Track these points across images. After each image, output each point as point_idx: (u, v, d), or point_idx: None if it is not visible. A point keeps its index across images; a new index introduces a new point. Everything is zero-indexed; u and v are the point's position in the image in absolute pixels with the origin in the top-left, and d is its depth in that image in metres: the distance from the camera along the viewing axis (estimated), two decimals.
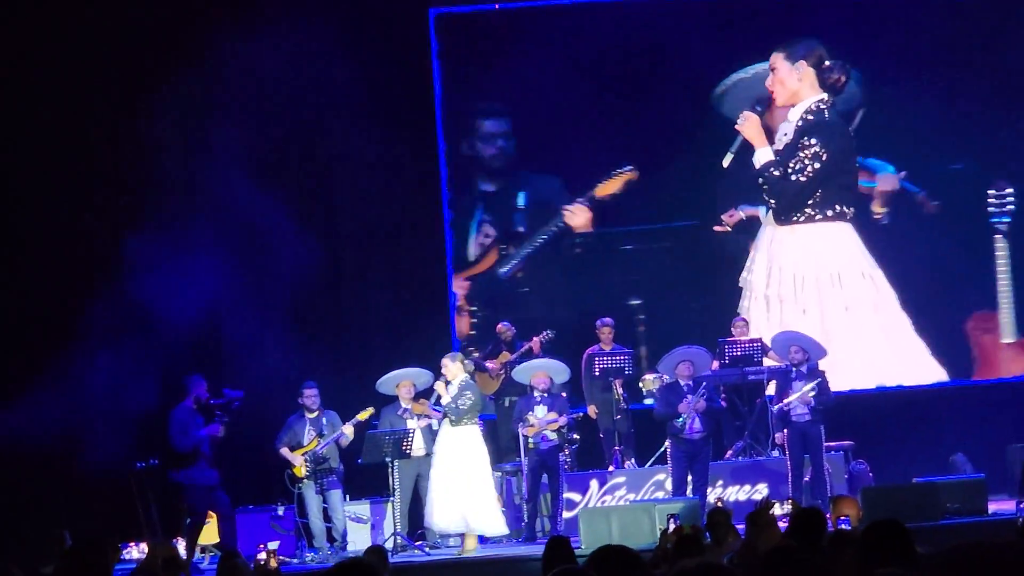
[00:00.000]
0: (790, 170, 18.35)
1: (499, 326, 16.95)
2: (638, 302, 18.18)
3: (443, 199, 17.97)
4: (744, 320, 16.72)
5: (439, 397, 14.21)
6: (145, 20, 16.62)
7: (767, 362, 16.02)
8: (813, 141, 18.35)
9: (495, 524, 14.19)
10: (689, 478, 14.67)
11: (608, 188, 18.35)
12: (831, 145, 18.36)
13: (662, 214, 18.26)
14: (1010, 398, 16.90)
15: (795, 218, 18.12)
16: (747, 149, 17.98)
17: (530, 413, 14.85)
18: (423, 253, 17.65)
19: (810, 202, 18.19)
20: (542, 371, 15.12)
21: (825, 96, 18.33)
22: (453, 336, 17.72)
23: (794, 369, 14.89)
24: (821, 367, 15.08)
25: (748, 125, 18.04)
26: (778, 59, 18.42)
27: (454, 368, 14.23)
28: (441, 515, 14.03)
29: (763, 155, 18.26)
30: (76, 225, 16.32)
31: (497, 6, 18.30)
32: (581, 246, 18.35)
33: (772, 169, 18.20)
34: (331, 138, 17.43)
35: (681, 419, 14.61)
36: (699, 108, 18.17)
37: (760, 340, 16.06)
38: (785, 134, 18.55)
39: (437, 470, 14.18)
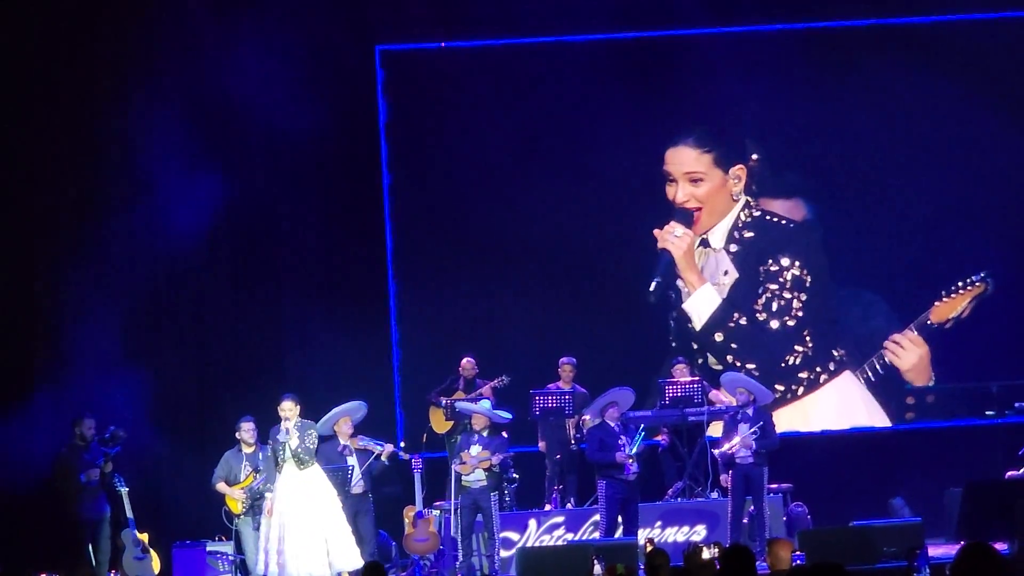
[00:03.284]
0: (759, 315, 14.78)
1: (464, 361, 16.48)
2: None
3: (386, 222, 17.74)
4: (684, 361, 16.34)
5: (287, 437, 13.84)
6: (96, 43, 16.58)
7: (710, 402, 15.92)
8: (785, 261, 14.70)
9: (354, 559, 13.88)
10: (619, 519, 14.62)
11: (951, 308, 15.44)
12: (810, 259, 14.58)
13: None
14: (949, 443, 16.95)
15: (792, 391, 15.44)
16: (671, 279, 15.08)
17: (465, 451, 14.79)
18: (364, 278, 17.55)
19: (795, 359, 14.30)
20: (481, 415, 15.03)
21: (751, 199, 15.63)
22: (395, 362, 17.50)
23: (740, 411, 14.84)
24: (767, 409, 15.05)
25: (684, 247, 14.38)
26: (701, 160, 15.05)
27: (296, 409, 13.95)
28: (308, 563, 13.56)
29: (705, 299, 15.01)
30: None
31: (443, 44, 17.48)
32: None
33: (729, 321, 14.24)
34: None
35: (633, 452, 14.43)
36: (649, 158, 16.68)
37: (700, 380, 15.92)
38: (726, 272, 14.95)
39: (295, 518, 13.65)
